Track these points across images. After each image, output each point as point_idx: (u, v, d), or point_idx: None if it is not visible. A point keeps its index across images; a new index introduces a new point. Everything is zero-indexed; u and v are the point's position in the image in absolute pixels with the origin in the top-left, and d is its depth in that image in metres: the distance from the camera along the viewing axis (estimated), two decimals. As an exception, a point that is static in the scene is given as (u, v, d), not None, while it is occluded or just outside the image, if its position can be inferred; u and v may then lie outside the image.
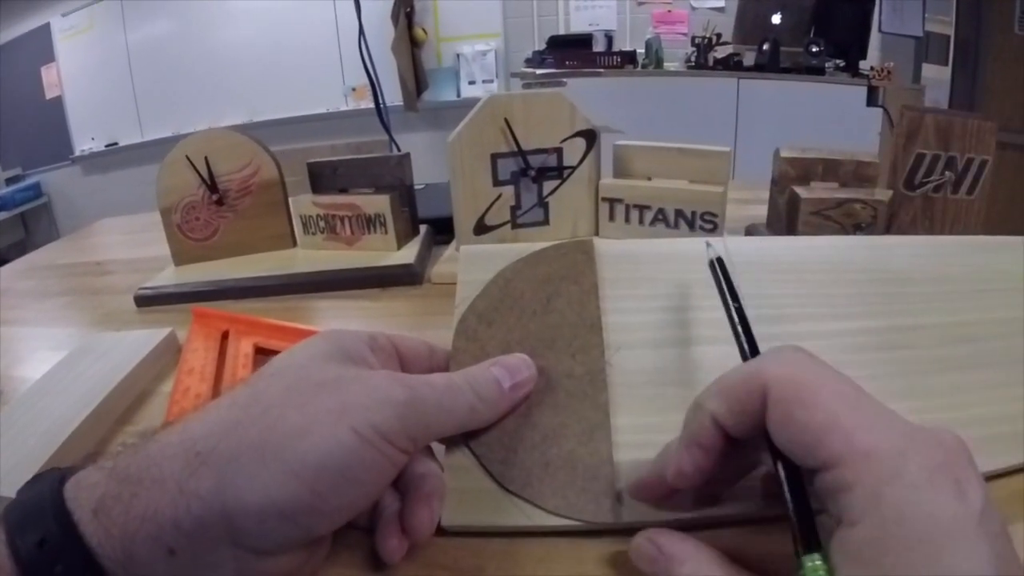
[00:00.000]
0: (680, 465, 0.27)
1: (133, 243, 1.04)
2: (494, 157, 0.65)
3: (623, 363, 0.37)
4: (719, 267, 0.34)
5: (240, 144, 0.75)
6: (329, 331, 0.33)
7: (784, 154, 0.68)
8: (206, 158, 0.74)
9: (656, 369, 0.37)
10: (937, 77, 2.70)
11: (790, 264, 0.41)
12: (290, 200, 0.78)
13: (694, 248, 0.38)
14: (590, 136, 0.66)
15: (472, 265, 0.42)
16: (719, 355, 0.35)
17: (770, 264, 0.41)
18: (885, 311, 0.39)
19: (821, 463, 0.22)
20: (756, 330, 0.31)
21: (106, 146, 3.62)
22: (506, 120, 0.63)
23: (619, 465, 0.33)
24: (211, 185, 0.75)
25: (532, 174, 0.66)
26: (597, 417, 0.34)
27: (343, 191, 0.75)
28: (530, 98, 0.64)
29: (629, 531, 0.29)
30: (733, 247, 0.36)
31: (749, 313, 0.32)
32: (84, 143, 3.67)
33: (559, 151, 0.66)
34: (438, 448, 0.34)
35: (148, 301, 0.70)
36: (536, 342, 0.37)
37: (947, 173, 0.64)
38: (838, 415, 0.23)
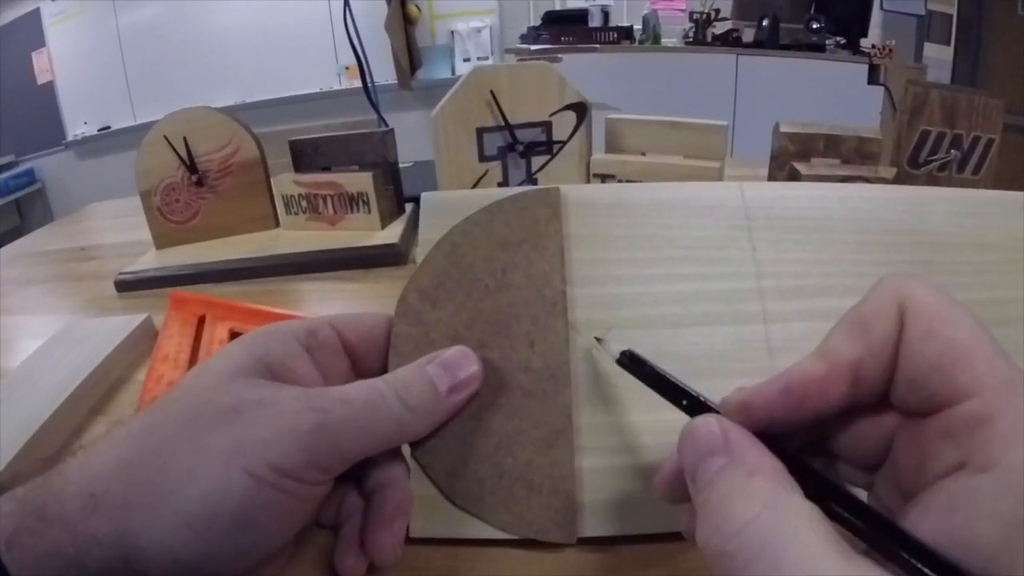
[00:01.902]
0: (761, 398, 0.21)
1: (120, 227, 1.03)
2: (480, 132, 0.63)
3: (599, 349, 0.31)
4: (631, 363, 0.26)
5: (220, 123, 0.73)
6: (256, 332, 0.30)
7: (784, 129, 0.65)
8: (185, 138, 0.73)
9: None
10: (939, 57, 2.67)
11: (815, 222, 0.35)
12: (272, 180, 0.76)
13: (701, 195, 0.33)
14: (580, 109, 0.64)
15: (436, 219, 0.34)
16: (725, 337, 0.31)
17: (792, 219, 0.35)
18: None
19: (960, 390, 0.19)
20: (771, 306, 0.29)
21: (99, 130, 3.59)
22: (492, 93, 0.61)
23: (582, 474, 0.29)
24: (190, 165, 0.73)
25: (520, 149, 0.63)
26: (558, 422, 0.30)
27: (326, 169, 0.72)
28: (517, 69, 0.61)
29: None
30: (751, 193, 0.33)
31: (766, 284, 0.29)
32: (77, 128, 3.64)
33: (548, 125, 0.64)
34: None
35: (128, 286, 0.69)
36: (487, 327, 0.31)
37: (953, 151, 0.62)
38: (979, 336, 0.19)
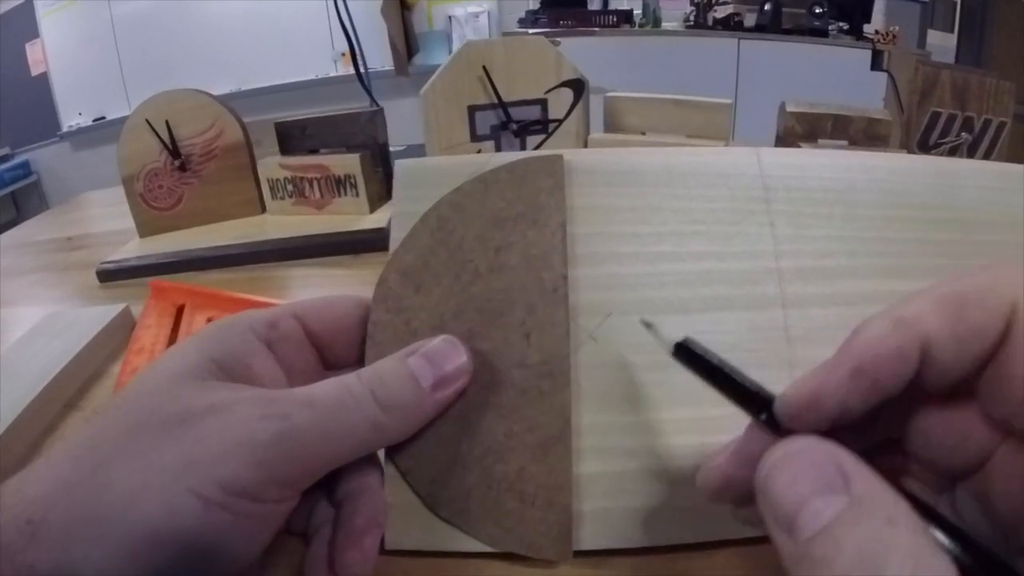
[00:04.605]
0: (832, 386, 0.18)
1: (109, 216, 1.01)
2: (472, 109, 0.60)
3: (603, 338, 0.29)
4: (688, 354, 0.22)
5: (203, 105, 0.71)
6: (210, 327, 0.26)
7: (790, 108, 0.63)
8: (167, 121, 0.70)
9: (647, 345, 0.28)
10: (942, 44, 2.65)
11: (838, 193, 0.31)
12: (257, 163, 0.73)
13: (714, 162, 0.30)
14: (578, 86, 0.61)
15: (413, 190, 0.30)
16: (739, 324, 0.28)
17: (814, 190, 0.31)
18: (948, 267, 0.31)
19: None
20: (790, 289, 0.26)
21: (94, 120, 3.56)
22: (485, 69, 0.58)
23: (581, 480, 0.26)
24: (173, 150, 0.71)
25: (514, 128, 0.61)
26: (555, 426, 0.26)
27: (313, 152, 0.70)
28: (512, 44, 0.59)
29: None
30: (769, 160, 0.30)
31: (785, 264, 0.26)
32: (72, 118, 3.62)
33: (543, 103, 0.61)
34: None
35: (110, 276, 0.67)
36: (478, 315, 0.28)
37: (964, 134, 0.60)
38: None
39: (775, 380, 0.27)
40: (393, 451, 0.27)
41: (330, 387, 0.24)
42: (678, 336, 0.22)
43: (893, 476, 0.20)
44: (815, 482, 0.15)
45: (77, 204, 1.15)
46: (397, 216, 0.30)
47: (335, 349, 0.28)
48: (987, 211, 0.32)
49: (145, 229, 0.73)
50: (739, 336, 0.28)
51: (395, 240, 0.29)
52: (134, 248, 0.70)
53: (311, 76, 3.35)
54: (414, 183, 0.30)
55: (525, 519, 0.26)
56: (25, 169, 3.73)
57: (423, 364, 0.25)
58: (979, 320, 0.17)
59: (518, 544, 0.25)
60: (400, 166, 0.31)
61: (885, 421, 0.20)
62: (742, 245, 0.30)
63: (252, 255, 0.65)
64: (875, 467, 0.16)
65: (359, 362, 0.28)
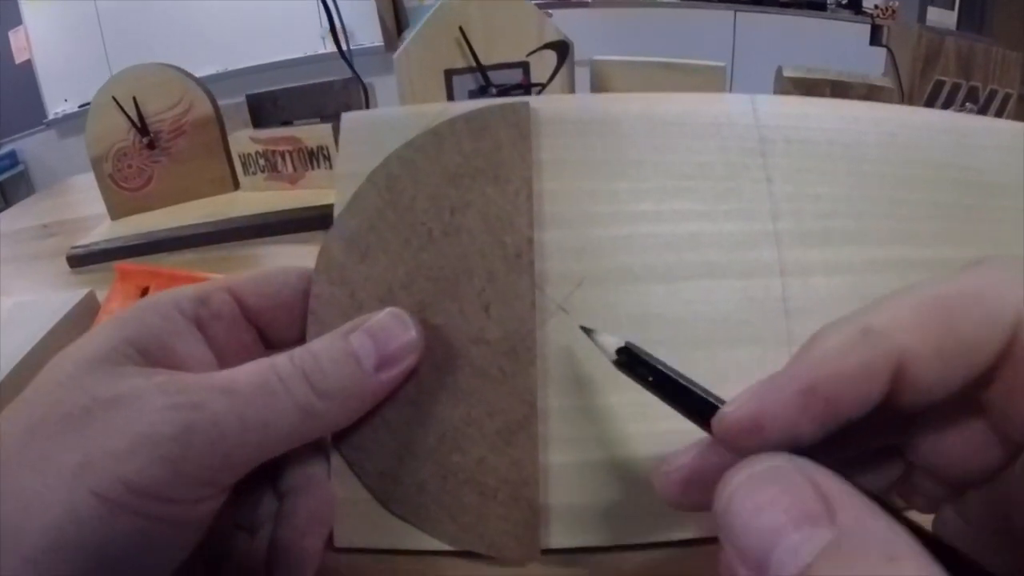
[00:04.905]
0: (775, 407, 0.15)
1: (85, 201, 0.99)
2: (448, 74, 0.57)
3: (574, 309, 0.25)
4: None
5: (170, 80, 0.69)
6: (132, 307, 0.23)
7: (787, 73, 0.61)
8: (134, 98, 0.68)
9: (624, 318, 0.25)
10: (941, 21, 2.62)
11: (844, 148, 0.28)
12: (228, 138, 0.71)
13: (703, 110, 0.27)
14: (561, 48, 0.58)
15: (359, 147, 0.27)
16: (731, 294, 0.25)
17: (817, 143, 0.28)
18: (963, 233, 0.28)
19: None
20: (789, 254, 0.23)
21: (80, 106, 3.51)
22: (461, 30, 0.54)
23: (549, 472, 0.24)
24: (141, 127, 0.69)
25: (493, 92, 0.58)
26: (519, 410, 0.24)
27: (287, 124, 0.67)
28: (490, 4, 0.55)
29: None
30: (766, 109, 0.27)
31: (783, 226, 0.24)
32: (57, 105, 3.57)
33: (525, 66, 0.58)
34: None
35: (80, 261, 0.65)
36: (430, 285, 0.25)
37: (968, 105, 0.58)
38: None
39: (771, 359, 0.25)
40: (339, 440, 0.24)
41: (254, 369, 0.21)
42: (619, 343, 0.19)
43: (891, 491, 0.17)
44: (790, 511, 0.12)
45: (59, 191, 1.12)
46: (342, 177, 0.26)
47: (276, 328, 0.25)
48: (1004, 174, 0.29)
49: (116, 211, 0.71)
50: (731, 307, 0.25)
51: (339, 204, 0.26)
52: (104, 231, 0.68)
53: (299, 54, 3.31)
54: (361, 139, 0.27)
55: (486, 515, 0.23)
56: (12, 159, 3.68)
57: (365, 341, 0.22)
58: (970, 334, 0.14)
59: (479, 543, 0.23)
60: (345, 119, 0.28)
61: (881, 426, 0.17)
62: (735, 204, 0.27)
63: (223, 233, 0.62)
64: (868, 482, 0.13)
65: (303, 341, 0.25)
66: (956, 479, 0.17)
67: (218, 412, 0.19)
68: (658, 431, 0.24)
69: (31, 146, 3.72)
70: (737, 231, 0.26)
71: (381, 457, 0.24)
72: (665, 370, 0.18)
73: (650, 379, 0.19)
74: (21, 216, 0.96)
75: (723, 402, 0.17)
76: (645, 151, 0.27)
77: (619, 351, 0.20)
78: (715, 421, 0.15)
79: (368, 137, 0.27)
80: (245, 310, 0.25)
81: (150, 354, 0.21)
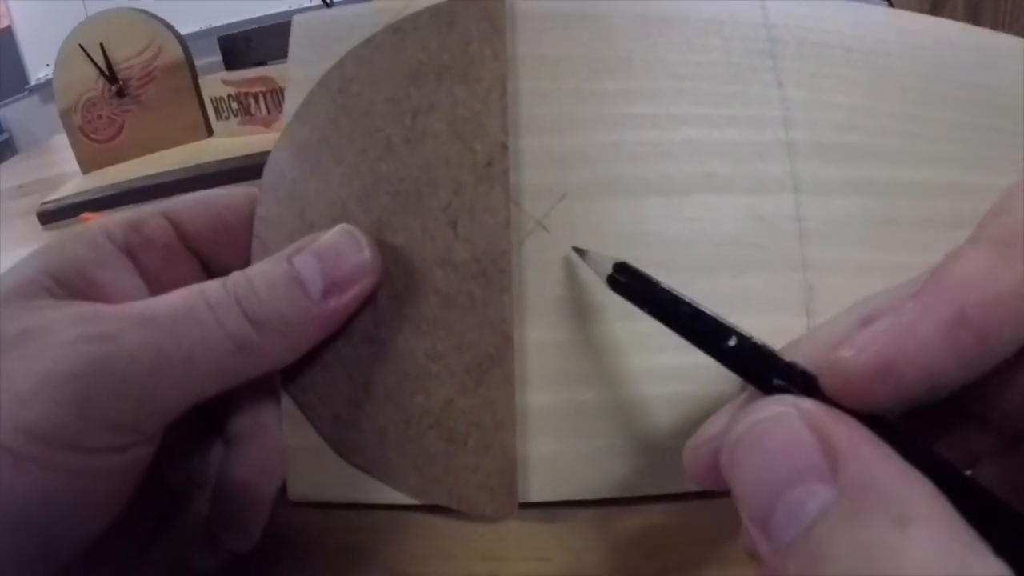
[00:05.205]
0: (917, 343, 0.12)
1: (64, 160, 0.96)
2: None
3: (555, 227, 0.22)
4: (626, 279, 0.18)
5: (137, 23, 0.66)
6: (58, 239, 0.21)
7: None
8: (101, 44, 0.66)
9: (613, 236, 0.22)
10: None
11: (863, 55, 0.25)
12: (200, 82, 0.68)
13: (704, 7, 0.24)
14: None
15: (312, 51, 0.24)
16: (738, 212, 0.22)
17: (833, 47, 0.25)
18: (983, 157, 0.25)
19: None
20: (804, 168, 0.21)
21: (64, 71, 3.45)
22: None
23: (528, 415, 0.21)
24: (109, 75, 0.66)
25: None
26: (492, 342, 0.21)
27: (260, 65, 0.64)
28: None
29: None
30: (776, 7, 0.24)
31: (797, 136, 0.21)
32: (39, 71, 3.48)
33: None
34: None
35: (51, 217, 0.62)
36: (389, 200, 0.22)
37: None
38: None
39: (783, 285, 0.22)
40: (288, 380, 0.21)
41: (180, 295, 0.18)
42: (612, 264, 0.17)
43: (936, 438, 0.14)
44: (791, 464, 0.11)
45: (38, 152, 1.11)
46: (292, 84, 0.23)
47: (221, 257, 0.23)
48: None
49: (88, 165, 0.69)
50: (737, 227, 0.22)
51: (288, 113, 0.23)
52: (75, 185, 0.66)
53: (283, 7, 3.22)
54: (315, 42, 0.23)
55: (455, 465, 0.20)
56: (-4, 128, 3.63)
57: (311, 263, 0.19)
58: None
59: (447, 496, 0.20)
60: (296, 20, 0.24)
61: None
62: (741, 109, 0.23)
63: (194, 180, 0.59)
64: (906, 431, 0.11)
65: None
66: (1013, 430, 0.14)
67: (133, 344, 0.16)
68: (659, 366, 0.21)
69: (14, 113, 3.65)
70: (744, 140, 0.23)
71: (335, 399, 0.21)
72: (672, 290, 0.16)
73: (653, 302, 0.16)
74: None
75: (741, 331, 0.14)
76: (637, 47, 0.23)
77: (616, 266, 0.17)
78: (830, 370, 0.12)
79: (322, 38, 0.23)
80: (184, 237, 0.22)
81: (70, 285, 0.19)
